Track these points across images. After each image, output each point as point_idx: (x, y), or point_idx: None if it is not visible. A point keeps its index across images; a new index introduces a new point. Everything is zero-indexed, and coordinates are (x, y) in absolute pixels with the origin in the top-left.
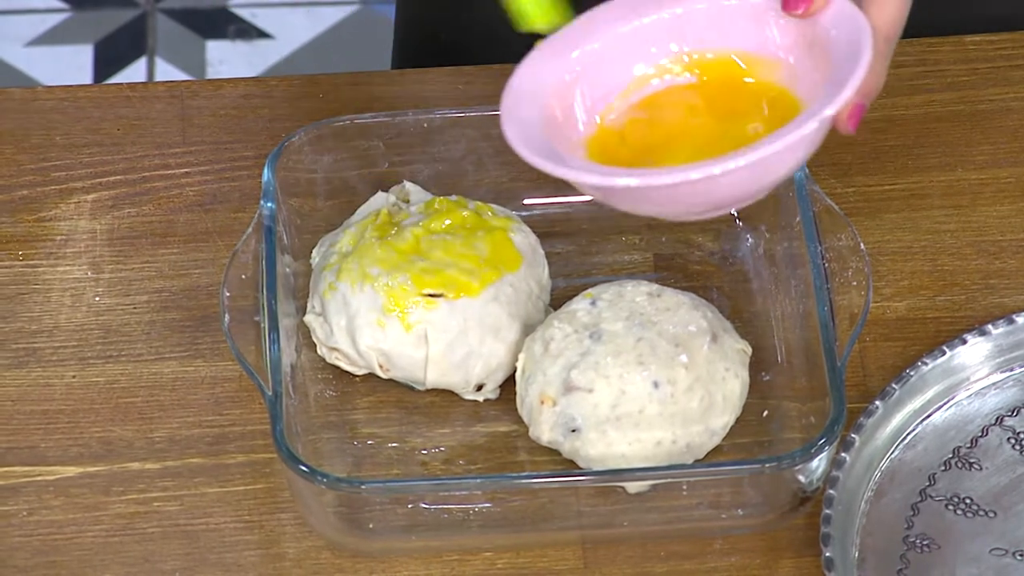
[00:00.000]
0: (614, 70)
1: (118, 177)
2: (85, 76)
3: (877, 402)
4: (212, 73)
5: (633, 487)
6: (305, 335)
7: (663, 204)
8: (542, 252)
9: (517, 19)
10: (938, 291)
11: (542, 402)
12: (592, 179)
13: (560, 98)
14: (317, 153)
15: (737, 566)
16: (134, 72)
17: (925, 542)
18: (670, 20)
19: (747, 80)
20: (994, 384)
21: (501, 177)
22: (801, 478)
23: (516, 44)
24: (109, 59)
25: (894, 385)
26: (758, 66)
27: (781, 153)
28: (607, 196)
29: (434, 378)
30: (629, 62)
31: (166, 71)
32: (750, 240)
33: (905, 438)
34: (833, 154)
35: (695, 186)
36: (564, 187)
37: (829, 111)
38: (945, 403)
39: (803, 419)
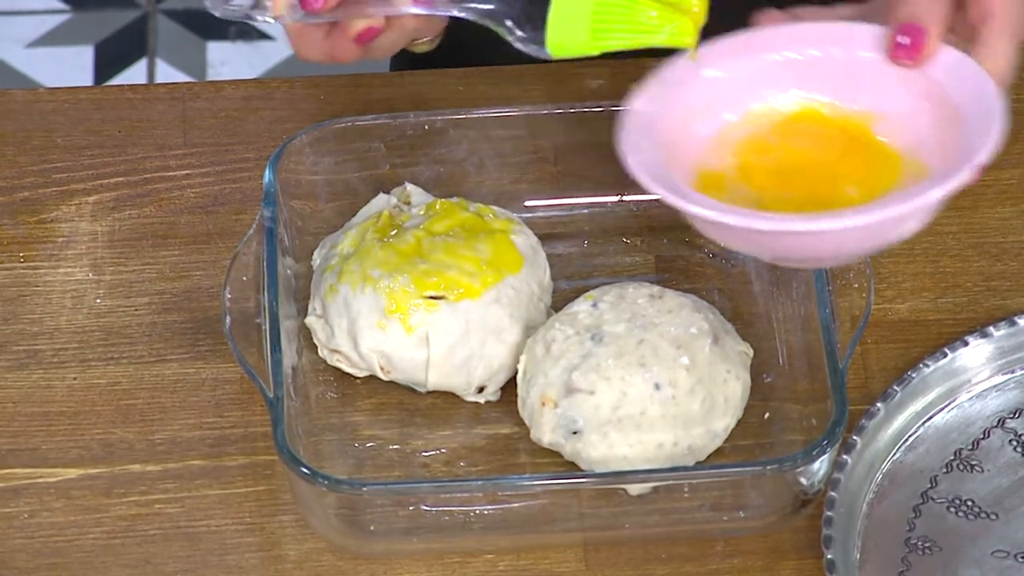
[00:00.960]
0: (735, 102)
1: (119, 179)
2: (86, 77)
3: (878, 404)
4: (213, 74)
5: (635, 489)
6: (306, 337)
7: (772, 248)
8: (543, 254)
9: (552, 48)
10: (940, 293)
11: (543, 404)
12: (722, 218)
13: (678, 125)
14: (318, 155)
15: (739, 568)
16: (135, 73)
17: (927, 544)
18: (800, 62)
19: (869, 135)
20: (996, 386)
21: (502, 179)
22: (803, 480)
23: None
24: (110, 60)
25: (895, 387)
26: (879, 121)
27: (906, 216)
28: (717, 231)
29: (435, 380)
30: (750, 97)
31: (167, 72)
32: None
33: (906, 440)
34: None
35: (817, 237)
36: (564, 189)
37: (958, 180)
38: (947, 405)
39: (804, 421)
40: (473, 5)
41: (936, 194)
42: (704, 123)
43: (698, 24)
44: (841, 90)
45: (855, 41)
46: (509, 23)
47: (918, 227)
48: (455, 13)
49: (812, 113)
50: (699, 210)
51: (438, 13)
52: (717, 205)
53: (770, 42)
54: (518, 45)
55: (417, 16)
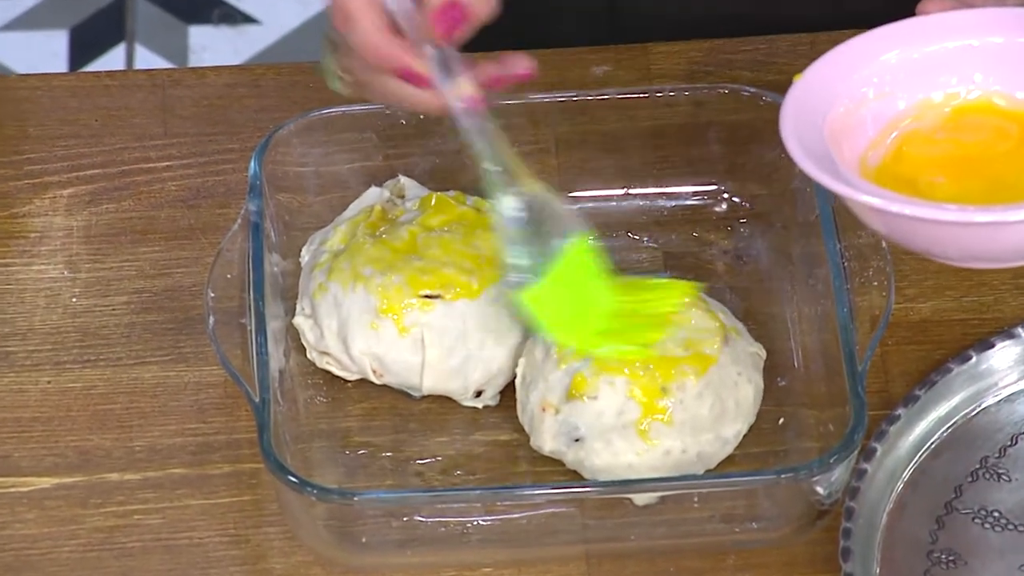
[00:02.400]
0: (911, 88)
1: (96, 171)
2: (60, 63)
3: (900, 409)
4: (195, 60)
5: (640, 499)
6: (294, 338)
7: (947, 244)
8: None
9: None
10: (965, 291)
11: (544, 409)
12: (898, 207)
13: (848, 108)
14: (307, 146)
15: None
16: (112, 59)
17: (951, 558)
18: (977, 48)
19: None
20: None
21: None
22: (819, 490)
23: (517, 29)
24: (86, 45)
25: (918, 391)
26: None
27: None
28: (887, 224)
29: (431, 384)
30: (923, 85)
31: (146, 58)
32: (765, 237)
33: (929, 447)
34: None
35: (1002, 230)
36: (567, 182)
37: None
38: (972, 410)
39: (821, 427)
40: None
41: None
42: (875, 109)
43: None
44: (1020, 80)
45: None
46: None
47: None
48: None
49: (987, 105)
50: (871, 199)
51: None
52: (890, 195)
53: (944, 28)
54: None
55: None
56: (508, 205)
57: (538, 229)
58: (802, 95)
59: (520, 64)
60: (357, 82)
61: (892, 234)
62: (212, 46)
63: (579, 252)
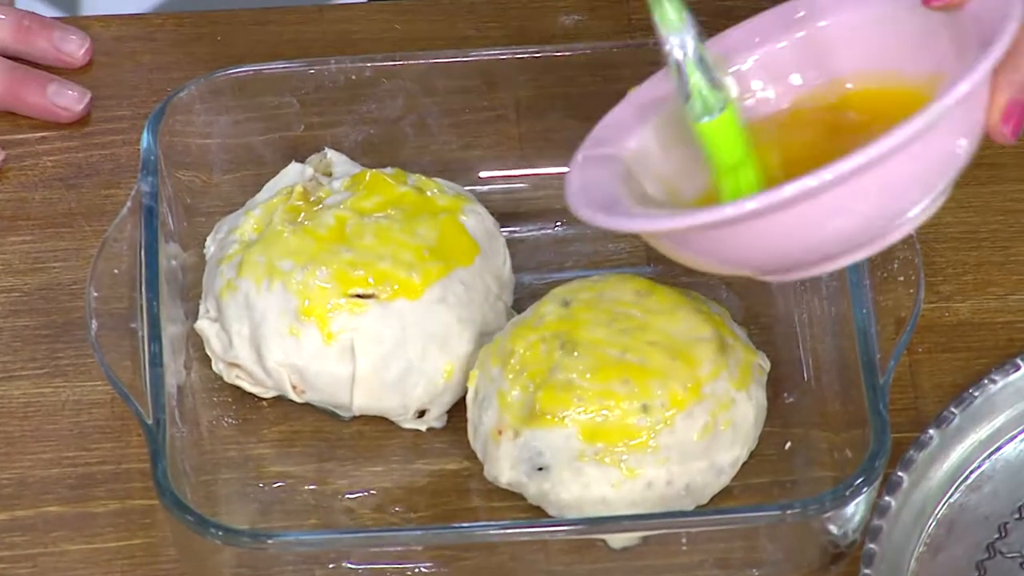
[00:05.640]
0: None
1: None
2: None
3: (931, 431)
4: (88, 8)
5: (617, 541)
6: (196, 347)
7: (745, 248)
8: (502, 240)
9: None
10: (1011, 288)
11: (500, 432)
12: (644, 224)
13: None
14: (212, 112)
15: None
16: None
17: None
18: (789, 46)
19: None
20: None
21: (450, 144)
22: (833, 529)
23: None
24: None
25: (953, 409)
26: (899, 91)
27: (890, 160)
28: (673, 242)
29: (363, 402)
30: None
31: (21, 3)
32: None
33: (967, 478)
34: None
35: (787, 217)
36: (529, 157)
37: (950, 98)
38: (1019, 433)
39: (835, 453)
40: None
41: (957, 91)
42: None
43: None
44: (848, 60)
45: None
46: None
47: (931, 173)
48: None
49: (800, 111)
50: (633, 223)
51: None
52: (658, 214)
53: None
54: None
55: None
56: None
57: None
58: (597, 138)
59: None
60: None
61: (705, 258)
62: None
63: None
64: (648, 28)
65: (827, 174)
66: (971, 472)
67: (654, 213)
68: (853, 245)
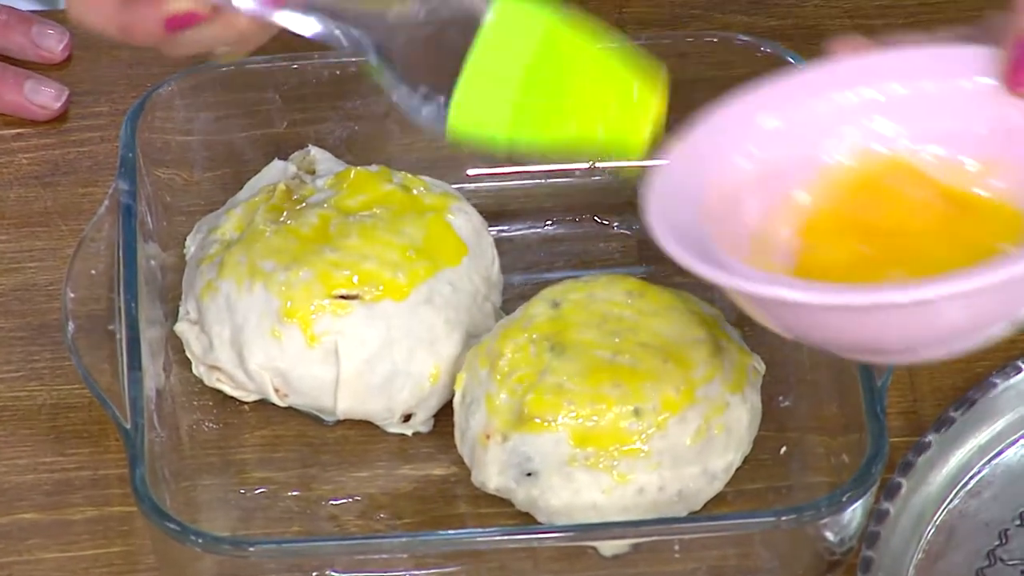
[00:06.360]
0: (801, 154)
1: None
2: None
3: (930, 435)
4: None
5: (608, 548)
6: (176, 350)
7: (853, 331)
8: (491, 239)
9: (455, 121)
10: None
11: (488, 437)
12: (762, 290)
13: (726, 184)
14: (193, 109)
15: None
16: None
17: None
18: (882, 103)
19: (975, 190)
20: None
21: (437, 141)
22: (829, 535)
23: None
24: None
25: (953, 412)
26: (990, 171)
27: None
28: (774, 313)
29: (347, 406)
30: (816, 150)
31: None
32: None
33: (967, 483)
34: None
35: (905, 313)
36: (518, 156)
37: None
38: (1020, 437)
39: (832, 457)
40: (334, 22)
41: None
42: (759, 187)
43: (653, 122)
44: (936, 135)
45: (954, 69)
46: (375, 59)
47: None
48: (306, 29)
49: (899, 166)
50: (746, 284)
51: (279, 21)
52: (773, 277)
53: (843, 78)
54: (396, 98)
55: (252, 19)
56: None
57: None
58: (673, 170)
59: None
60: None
61: (792, 329)
62: None
63: (507, 18)
64: (640, 22)
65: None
66: (971, 477)
67: (777, 278)
68: (958, 341)
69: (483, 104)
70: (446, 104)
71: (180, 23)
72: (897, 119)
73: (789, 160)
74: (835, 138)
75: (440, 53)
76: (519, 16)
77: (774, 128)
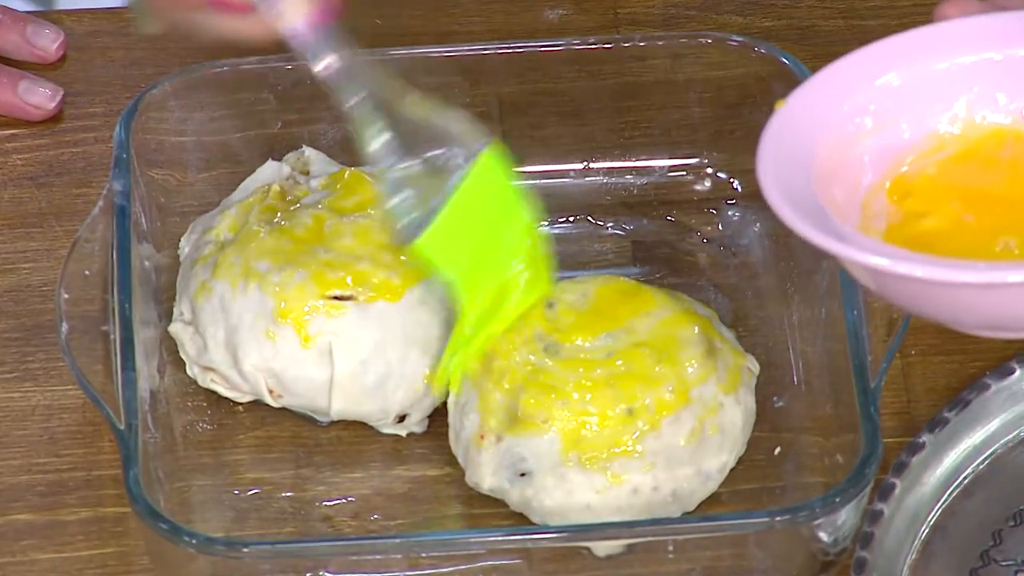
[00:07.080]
0: (917, 116)
1: None
2: None
3: (924, 436)
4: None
5: (602, 548)
6: (170, 351)
7: (976, 310)
8: None
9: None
10: None
11: (482, 438)
12: (904, 267)
13: (841, 144)
14: (187, 109)
15: None
16: None
17: None
18: (1000, 63)
19: None
20: None
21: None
22: (823, 536)
23: None
24: None
25: (947, 413)
26: None
27: None
28: (888, 287)
29: (341, 407)
30: (937, 109)
31: None
32: (758, 225)
33: (962, 483)
34: None
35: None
36: (513, 155)
37: None
38: (1014, 437)
39: (826, 458)
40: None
41: None
42: (875, 144)
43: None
44: None
45: None
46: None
47: None
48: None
49: (1007, 134)
50: (878, 260)
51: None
52: (903, 253)
53: (961, 39)
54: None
55: (283, 33)
56: (376, 138)
57: (431, 163)
58: (784, 130)
59: None
60: (168, 19)
61: (910, 302)
62: None
63: (486, 173)
64: (634, 22)
65: None
66: (965, 477)
67: (885, 248)
68: None
69: (447, 246)
70: (420, 226)
71: (223, 2)
72: (1010, 83)
73: (908, 119)
74: (945, 102)
75: (429, 184)
76: (493, 179)
77: (895, 85)
